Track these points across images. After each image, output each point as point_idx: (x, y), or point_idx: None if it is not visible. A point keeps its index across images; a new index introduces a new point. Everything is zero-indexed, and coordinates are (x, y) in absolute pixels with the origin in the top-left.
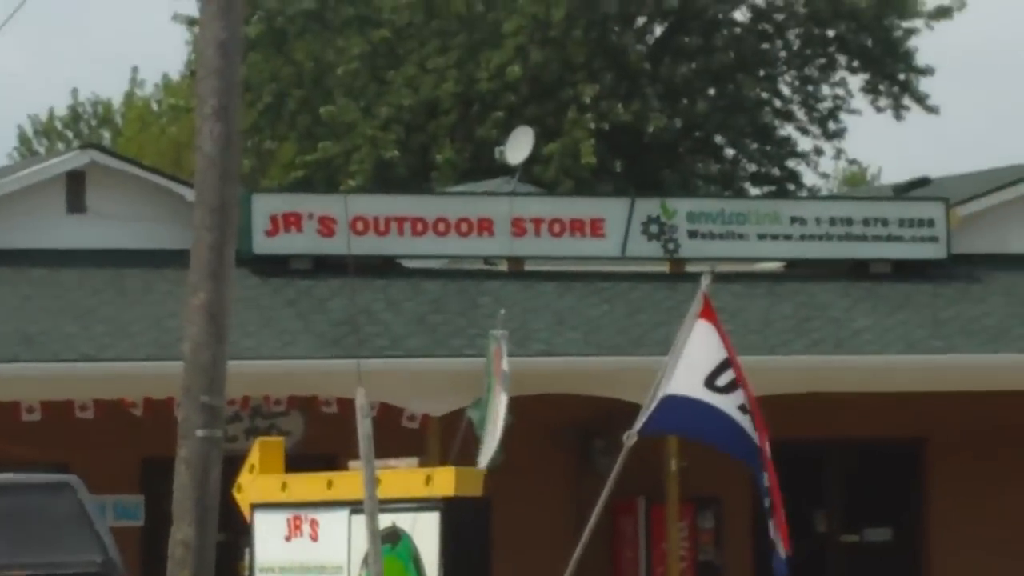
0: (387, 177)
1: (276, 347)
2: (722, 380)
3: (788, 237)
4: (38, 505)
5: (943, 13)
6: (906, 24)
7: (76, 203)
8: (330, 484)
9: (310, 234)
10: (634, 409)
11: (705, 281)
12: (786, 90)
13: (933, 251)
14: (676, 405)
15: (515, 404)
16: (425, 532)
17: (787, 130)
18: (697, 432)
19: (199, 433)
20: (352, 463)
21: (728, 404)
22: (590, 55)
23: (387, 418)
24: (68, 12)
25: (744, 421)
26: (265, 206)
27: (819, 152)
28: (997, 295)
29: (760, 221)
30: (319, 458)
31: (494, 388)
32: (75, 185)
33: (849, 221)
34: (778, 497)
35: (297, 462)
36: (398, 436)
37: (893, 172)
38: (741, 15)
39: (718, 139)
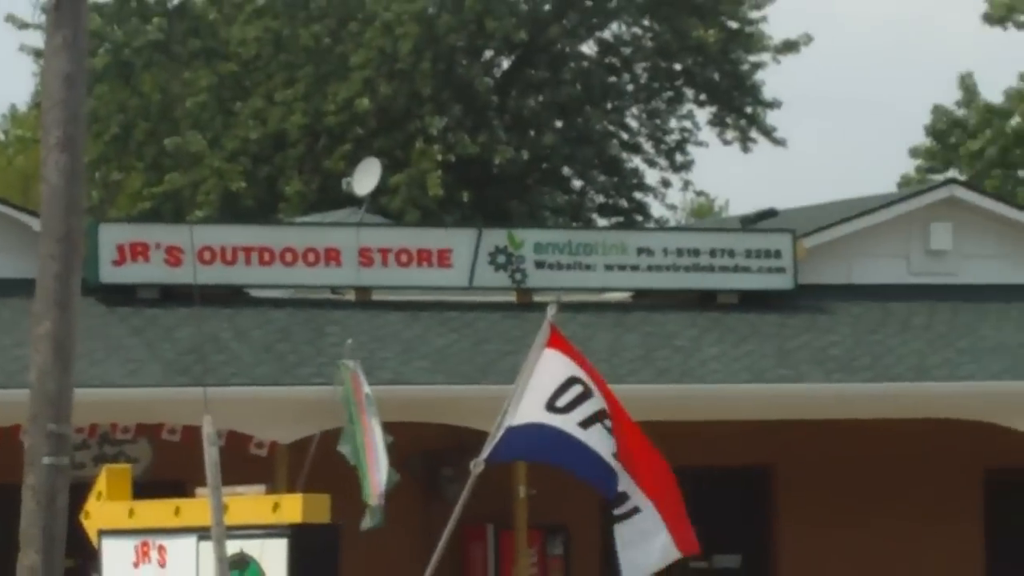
0: (234, 209)
1: (123, 375)
2: (563, 400)
3: (635, 268)
4: None
5: (790, 47)
6: (753, 58)
7: None
8: (177, 511)
9: (157, 263)
10: (483, 437)
11: (551, 311)
12: (633, 123)
13: (780, 282)
14: (520, 432)
15: (386, 427)
16: (273, 558)
17: (634, 162)
18: (541, 454)
19: (46, 460)
20: (199, 490)
21: (567, 423)
22: (437, 87)
23: (235, 446)
24: None
25: (587, 435)
26: (112, 236)
27: (666, 184)
28: (843, 326)
29: (607, 252)
30: (167, 485)
31: (358, 417)
32: None
33: (696, 252)
34: (668, 497)
35: (145, 489)
36: (247, 464)
37: (740, 204)
38: (588, 48)
39: (566, 171)
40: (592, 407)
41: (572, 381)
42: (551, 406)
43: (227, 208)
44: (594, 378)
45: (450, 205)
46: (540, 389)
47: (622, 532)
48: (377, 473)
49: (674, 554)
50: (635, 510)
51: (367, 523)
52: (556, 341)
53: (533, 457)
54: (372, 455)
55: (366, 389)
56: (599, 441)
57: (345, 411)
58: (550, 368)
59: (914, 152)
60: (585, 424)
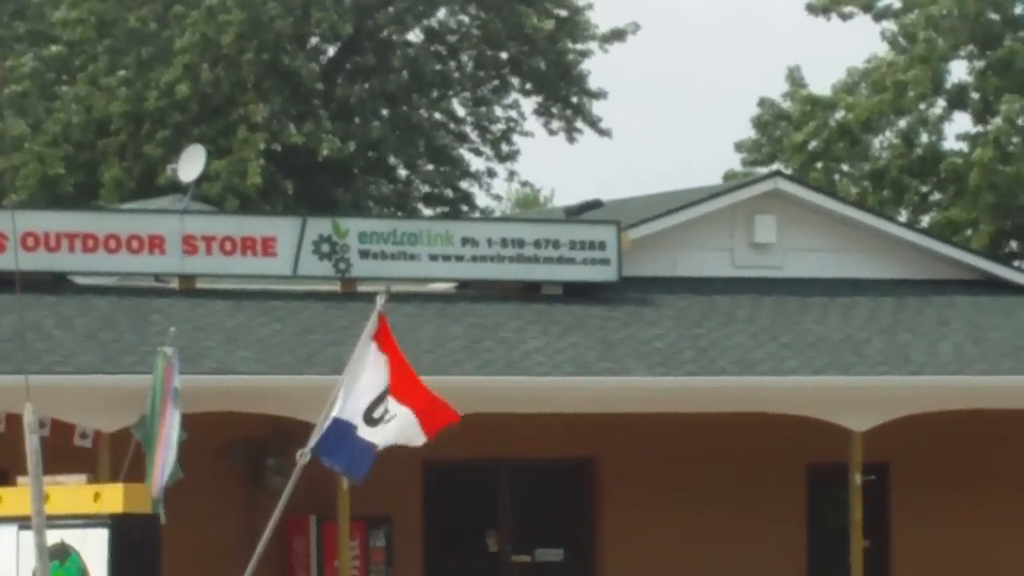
0: (53, 194)
1: None
2: (378, 412)
3: (460, 258)
4: None
5: (617, 36)
6: (579, 47)
7: None
8: None
9: None
10: (306, 427)
11: (380, 301)
12: (460, 111)
13: (604, 274)
14: (344, 429)
15: (186, 422)
16: (94, 548)
17: (460, 151)
18: (352, 467)
19: None
20: (21, 479)
21: (376, 435)
22: (262, 75)
23: (60, 434)
24: None
25: (372, 432)
26: None
27: (492, 174)
28: (668, 318)
29: (432, 242)
30: None
31: (159, 406)
32: None
33: (521, 243)
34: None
35: None
36: (72, 452)
37: (566, 195)
38: (414, 36)
39: (392, 160)
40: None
41: (385, 395)
42: (368, 418)
43: (46, 193)
44: (400, 373)
45: (274, 194)
46: (364, 391)
47: (376, 432)
48: (162, 468)
49: (419, 436)
50: (391, 415)
51: None
52: (382, 333)
53: (345, 466)
54: (162, 449)
55: (176, 382)
56: (377, 432)
57: (149, 398)
58: (375, 367)
59: (739, 146)
60: (373, 422)
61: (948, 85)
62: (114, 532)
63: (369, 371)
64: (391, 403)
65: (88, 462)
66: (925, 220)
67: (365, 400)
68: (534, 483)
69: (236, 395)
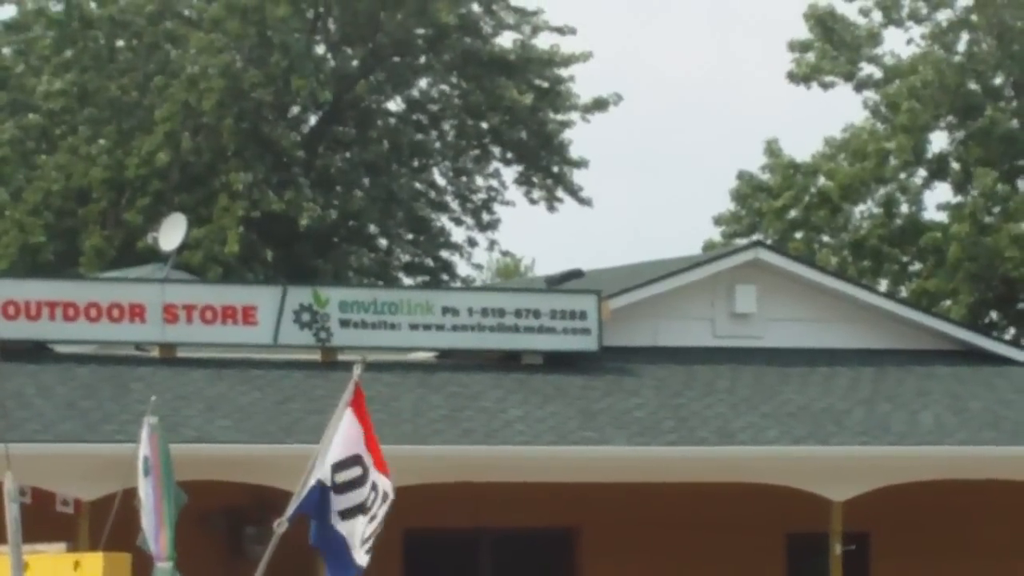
0: (34, 262)
1: None
2: (342, 476)
3: (440, 327)
4: None
5: (599, 106)
6: (560, 117)
7: None
8: None
9: None
10: (286, 496)
11: (357, 370)
12: (441, 180)
13: (585, 343)
14: (324, 492)
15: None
16: None
17: (441, 221)
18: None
19: None
20: (0, 547)
21: (337, 503)
22: (242, 143)
23: (42, 503)
24: None
25: (344, 526)
26: None
27: (473, 243)
28: (648, 388)
29: (412, 311)
30: None
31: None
32: None
33: (501, 312)
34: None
35: None
36: (53, 520)
37: (547, 264)
38: (395, 105)
39: (372, 229)
40: (362, 494)
41: (355, 461)
42: (333, 482)
43: (26, 261)
44: (371, 451)
45: (254, 262)
46: (335, 453)
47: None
48: (152, 536)
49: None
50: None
51: None
52: (358, 402)
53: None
54: (146, 517)
55: (146, 451)
56: (353, 529)
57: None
58: (349, 434)
59: (718, 220)
60: (344, 515)
61: (929, 155)
62: None
63: (343, 435)
64: (372, 473)
65: (68, 530)
66: (905, 290)
67: (332, 459)
68: (515, 553)
69: (216, 464)
